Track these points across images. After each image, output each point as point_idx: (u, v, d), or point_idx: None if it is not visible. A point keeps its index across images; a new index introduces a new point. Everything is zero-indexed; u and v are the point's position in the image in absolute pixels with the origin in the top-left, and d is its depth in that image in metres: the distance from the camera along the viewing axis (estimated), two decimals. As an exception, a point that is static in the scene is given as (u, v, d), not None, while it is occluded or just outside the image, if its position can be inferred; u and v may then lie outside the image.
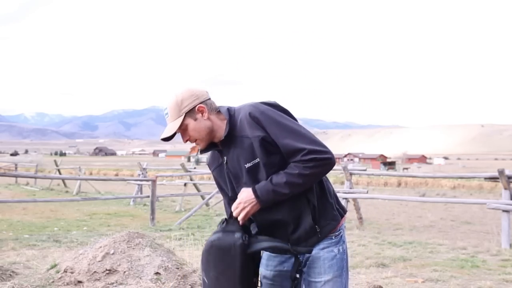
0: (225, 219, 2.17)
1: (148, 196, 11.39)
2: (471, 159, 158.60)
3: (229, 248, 2.05)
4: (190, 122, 2.13)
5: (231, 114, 2.16)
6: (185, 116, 2.12)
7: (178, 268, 4.75)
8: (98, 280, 4.55)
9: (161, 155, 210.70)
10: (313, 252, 2.16)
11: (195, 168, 22.25)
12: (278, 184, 2.04)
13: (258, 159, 2.09)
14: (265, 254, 2.30)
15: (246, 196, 2.07)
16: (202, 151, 2.22)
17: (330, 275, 2.15)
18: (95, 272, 4.60)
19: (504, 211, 8.07)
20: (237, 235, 2.06)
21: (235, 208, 2.09)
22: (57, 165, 25.93)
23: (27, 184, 24.20)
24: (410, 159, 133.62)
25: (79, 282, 4.58)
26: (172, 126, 2.12)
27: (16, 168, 28.34)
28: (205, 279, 2.14)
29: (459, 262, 6.53)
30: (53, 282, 4.68)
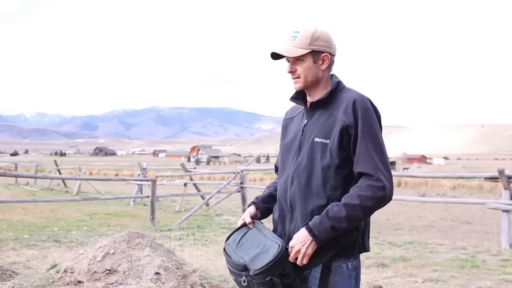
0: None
1: (148, 196, 11.39)
2: (471, 159, 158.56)
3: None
4: (309, 61, 2.04)
5: (338, 88, 2.09)
6: (310, 52, 2.03)
7: (178, 268, 4.75)
8: (98, 280, 4.55)
9: (161, 155, 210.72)
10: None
11: (195, 168, 22.28)
12: (337, 218, 1.89)
13: (328, 141, 2.00)
14: None
15: (300, 238, 1.91)
16: (293, 98, 2.16)
17: None
18: (95, 272, 4.60)
19: (504, 211, 8.07)
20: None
21: (290, 252, 1.92)
22: (57, 165, 25.95)
23: (27, 184, 24.21)
24: (410, 159, 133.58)
25: (79, 282, 4.58)
26: (292, 50, 2.03)
27: (16, 168, 28.36)
28: None
29: (459, 262, 6.53)
30: (53, 282, 4.68)
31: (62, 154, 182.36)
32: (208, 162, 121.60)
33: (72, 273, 4.69)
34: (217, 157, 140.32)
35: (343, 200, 1.94)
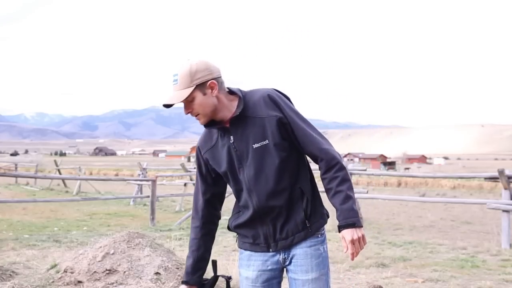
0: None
1: (148, 196, 11.39)
2: (471, 159, 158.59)
3: None
4: (198, 96, 2.05)
5: (244, 95, 2.13)
6: (195, 88, 2.04)
7: (178, 268, 4.75)
8: (98, 280, 4.55)
9: (161, 155, 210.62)
10: (301, 250, 2.15)
11: (195, 168, 22.26)
12: (351, 196, 2.06)
13: (267, 141, 2.08)
14: (245, 255, 2.25)
15: (351, 234, 2.01)
16: (206, 126, 2.17)
17: (317, 272, 2.14)
18: (95, 272, 4.60)
19: (504, 211, 8.07)
20: None
21: (353, 251, 2.02)
22: (57, 165, 25.93)
23: (27, 184, 24.19)
24: (410, 159, 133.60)
25: (79, 282, 4.58)
26: (179, 95, 2.04)
27: (16, 168, 28.35)
28: None
29: (459, 262, 6.53)
30: (53, 282, 4.68)
31: (62, 154, 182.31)
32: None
33: (72, 273, 4.70)
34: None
35: (334, 179, 2.07)
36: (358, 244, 2.01)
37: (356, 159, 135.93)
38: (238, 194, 2.22)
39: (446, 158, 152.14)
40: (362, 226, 2.05)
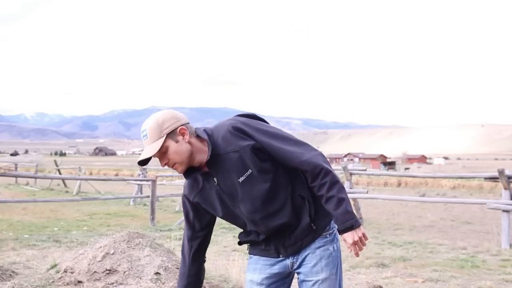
0: None
1: (148, 196, 11.40)
2: (471, 159, 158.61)
3: None
4: (171, 144, 2.03)
5: (209, 134, 2.09)
6: (166, 138, 2.02)
7: (178, 268, 4.75)
8: (98, 280, 4.55)
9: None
10: (309, 251, 2.16)
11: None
12: (343, 198, 2.04)
13: (250, 170, 2.05)
14: (253, 259, 2.27)
15: (351, 236, 2.03)
16: (186, 176, 2.13)
17: (327, 273, 2.15)
18: (95, 272, 4.60)
19: (504, 211, 8.08)
20: None
21: (356, 251, 2.06)
22: (57, 165, 25.93)
23: (27, 184, 24.20)
24: (410, 159, 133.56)
25: (79, 282, 4.58)
26: (151, 148, 2.01)
27: (16, 168, 28.34)
28: None
29: (459, 262, 6.54)
30: (53, 282, 4.68)
31: (62, 154, 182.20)
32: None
33: (72, 273, 4.69)
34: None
35: (323, 186, 2.04)
36: (360, 243, 2.04)
37: (356, 159, 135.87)
38: (243, 227, 2.24)
39: (446, 158, 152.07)
40: (360, 225, 2.06)
